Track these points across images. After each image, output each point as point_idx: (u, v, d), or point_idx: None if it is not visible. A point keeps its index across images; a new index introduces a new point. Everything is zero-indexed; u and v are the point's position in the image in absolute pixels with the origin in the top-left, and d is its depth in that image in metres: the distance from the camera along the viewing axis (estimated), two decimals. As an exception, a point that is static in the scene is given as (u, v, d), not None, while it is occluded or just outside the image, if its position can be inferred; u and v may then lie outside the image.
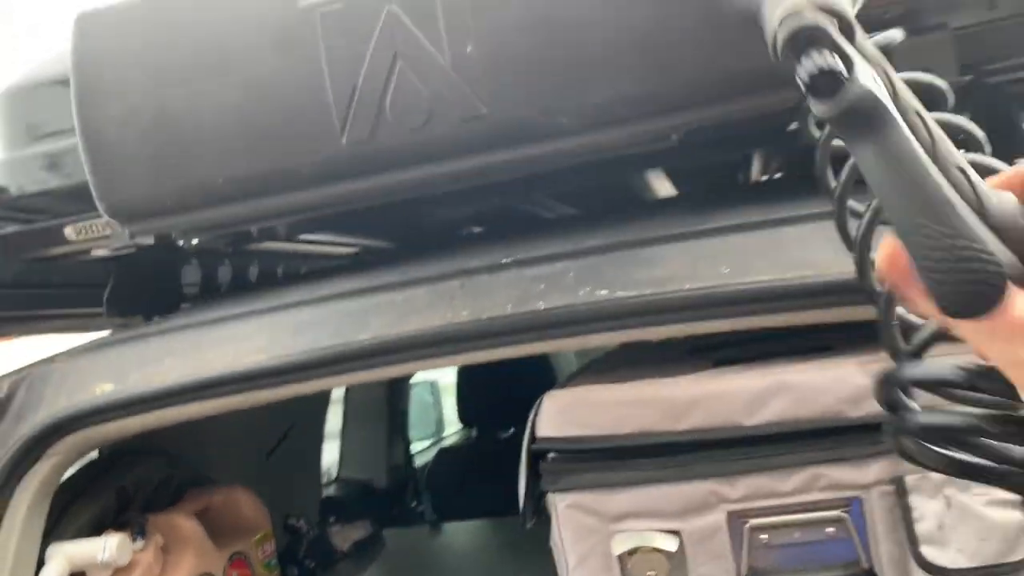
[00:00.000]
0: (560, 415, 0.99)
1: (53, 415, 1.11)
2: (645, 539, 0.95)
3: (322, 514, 1.85)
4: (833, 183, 0.50)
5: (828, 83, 0.32)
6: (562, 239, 1.06)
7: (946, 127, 0.40)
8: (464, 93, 0.80)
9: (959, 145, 0.38)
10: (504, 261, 1.02)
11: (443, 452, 2.85)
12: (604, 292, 0.95)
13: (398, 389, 2.68)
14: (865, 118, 0.32)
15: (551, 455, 0.99)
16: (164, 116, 0.87)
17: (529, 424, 1.01)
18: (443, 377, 3.40)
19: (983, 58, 0.97)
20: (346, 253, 1.92)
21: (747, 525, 0.93)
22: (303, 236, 1.50)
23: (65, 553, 1.13)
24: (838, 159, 0.49)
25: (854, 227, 0.50)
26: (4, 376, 1.18)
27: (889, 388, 0.44)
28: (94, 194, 0.91)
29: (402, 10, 0.81)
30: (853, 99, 0.32)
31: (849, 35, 0.34)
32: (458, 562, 1.72)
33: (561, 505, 0.98)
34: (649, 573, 0.95)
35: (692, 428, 0.94)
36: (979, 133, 0.50)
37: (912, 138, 0.33)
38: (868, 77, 0.33)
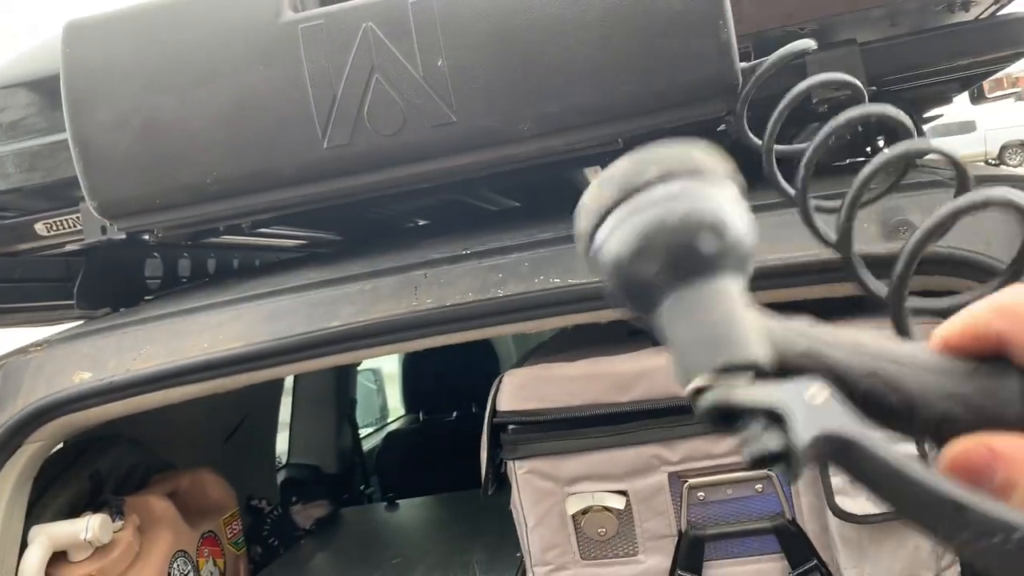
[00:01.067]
0: (518, 391, 1.09)
1: (34, 402, 1.16)
2: (596, 499, 1.05)
3: (283, 495, 1.92)
4: (785, 184, 0.54)
5: (772, 455, 0.28)
6: (514, 232, 1.16)
7: (883, 118, 0.45)
8: (435, 103, 0.89)
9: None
10: (464, 252, 1.12)
11: (391, 436, 2.93)
12: (557, 280, 1.06)
13: (345, 377, 2.74)
14: (827, 454, 0.27)
15: (511, 427, 1.09)
16: (154, 121, 0.93)
17: (490, 400, 1.10)
18: (386, 365, 3.47)
19: (885, 70, 1.11)
20: (295, 245, 1.99)
21: (686, 484, 1.05)
22: (257, 230, 1.56)
23: (48, 534, 1.17)
24: (783, 159, 0.56)
25: (821, 221, 0.49)
26: (-24, 367, 1.22)
27: None
28: (85, 193, 0.97)
29: (378, 27, 0.89)
30: (803, 451, 0.27)
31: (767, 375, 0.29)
32: (415, 536, 1.80)
33: (520, 472, 1.08)
34: (600, 530, 1.06)
35: (636, 399, 1.05)
36: (908, 121, 0.49)
37: (884, 451, 0.27)
38: (809, 421, 0.27)
